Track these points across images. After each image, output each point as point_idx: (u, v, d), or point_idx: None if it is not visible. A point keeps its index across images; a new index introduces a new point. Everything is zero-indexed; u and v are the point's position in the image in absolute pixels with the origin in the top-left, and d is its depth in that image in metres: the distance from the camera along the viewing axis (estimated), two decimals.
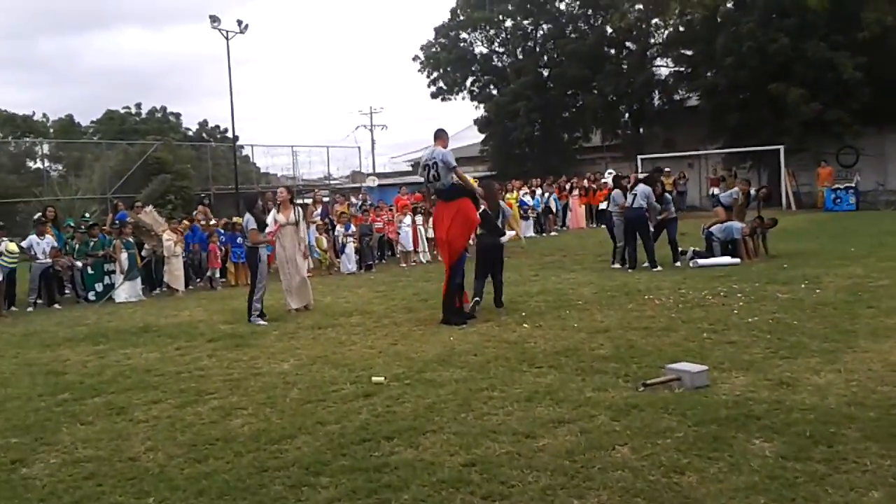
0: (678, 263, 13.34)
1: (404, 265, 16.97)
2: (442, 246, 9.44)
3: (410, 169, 45.89)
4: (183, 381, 6.89)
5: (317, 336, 8.86)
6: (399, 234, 17.38)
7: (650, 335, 7.55)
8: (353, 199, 21.15)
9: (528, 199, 22.94)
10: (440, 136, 9.20)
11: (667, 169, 25.01)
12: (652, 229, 13.47)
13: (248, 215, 10.52)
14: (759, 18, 28.85)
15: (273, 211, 10.97)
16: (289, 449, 4.82)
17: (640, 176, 13.60)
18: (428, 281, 13.51)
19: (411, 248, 17.29)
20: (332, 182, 38.31)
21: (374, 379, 6.42)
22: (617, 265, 13.59)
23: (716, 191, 27.14)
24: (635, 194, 13.18)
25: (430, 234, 17.57)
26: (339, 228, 16.56)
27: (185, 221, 16.27)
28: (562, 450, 4.40)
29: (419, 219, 17.50)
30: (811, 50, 27.41)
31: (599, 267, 14.01)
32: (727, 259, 13.26)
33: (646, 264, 13.10)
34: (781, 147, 27.31)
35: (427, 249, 17.69)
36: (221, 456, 4.76)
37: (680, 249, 13.67)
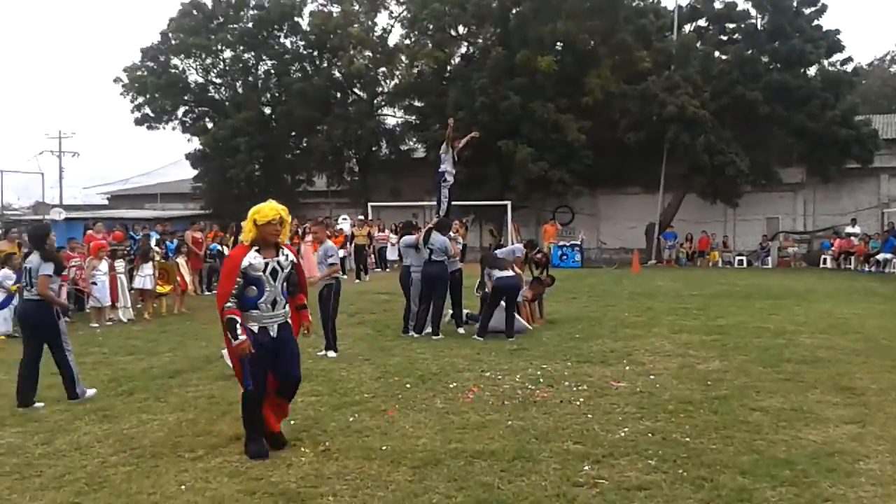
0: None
1: (96, 325, 12.51)
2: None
3: (106, 202, 39.63)
4: None
5: None
6: (92, 284, 12.74)
7: (511, 474, 4.85)
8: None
9: None
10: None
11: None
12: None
13: None
14: (490, 76, 28.75)
15: None
16: None
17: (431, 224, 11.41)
18: (131, 353, 9.75)
19: (108, 303, 12.96)
20: (9, 213, 32.11)
21: None
22: (413, 333, 10.95)
23: None
24: (431, 247, 10.85)
25: (139, 283, 13.56)
26: (7, 272, 11.96)
27: None
28: None
29: (119, 265, 13.28)
30: (539, 110, 27.78)
31: (361, 330, 11.43)
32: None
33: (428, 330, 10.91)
34: (509, 203, 27.06)
35: (129, 305, 13.50)
36: None
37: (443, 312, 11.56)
